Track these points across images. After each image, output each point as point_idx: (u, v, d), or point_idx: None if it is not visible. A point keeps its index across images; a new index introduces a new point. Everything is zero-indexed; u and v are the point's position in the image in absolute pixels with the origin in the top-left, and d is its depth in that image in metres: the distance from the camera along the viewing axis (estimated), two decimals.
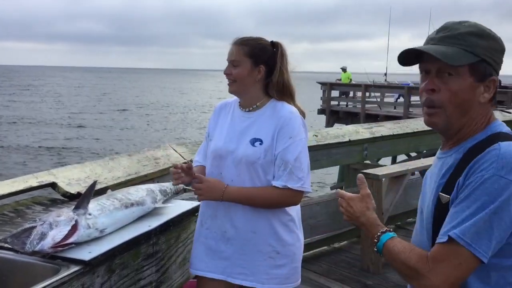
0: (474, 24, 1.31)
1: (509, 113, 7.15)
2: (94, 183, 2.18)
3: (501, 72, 1.36)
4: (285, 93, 2.19)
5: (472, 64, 1.28)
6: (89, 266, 1.78)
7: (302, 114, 2.20)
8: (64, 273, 1.69)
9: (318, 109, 20.06)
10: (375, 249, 1.41)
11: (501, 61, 1.32)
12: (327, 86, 19.54)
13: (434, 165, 1.46)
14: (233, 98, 2.31)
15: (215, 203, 2.18)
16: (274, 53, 2.17)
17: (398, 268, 1.35)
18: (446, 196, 1.30)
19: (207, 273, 2.25)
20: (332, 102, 19.49)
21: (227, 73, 2.16)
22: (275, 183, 2.09)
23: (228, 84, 2.18)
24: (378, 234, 1.40)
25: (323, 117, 19.74)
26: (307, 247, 4.50)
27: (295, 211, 2.23)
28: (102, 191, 2.59)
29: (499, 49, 1.31)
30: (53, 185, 2.70)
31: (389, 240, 1.37)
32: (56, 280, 1.64)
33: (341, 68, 21.90)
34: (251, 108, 2.19)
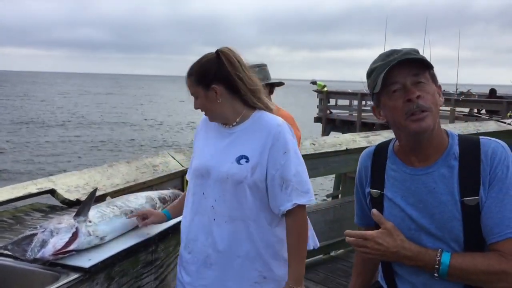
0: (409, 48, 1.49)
1: (505, 123, 7.19)
2: (95, 190, 2.18)
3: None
4: (259, 95, 2.01)
5: (430, 71, 1.46)
6: (89, 273, 1.79)
7: (288, 118, 2.08)
8: (63, 281, 1.70)
9: (314, 117, 20.09)
10: (436, 275, 1.39)
11: None
12: (324, 95, 19.59)
13: (407, 182, 1.49)
14: None
15: (198, 224, 2.00)
16: (220, 65, 1.95)
17: (478, 279, 1.36)
18: (474, 198, 1.39)
19: None
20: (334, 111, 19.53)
21: (195, 107, 2.02)
22: (283, 207, 1.92)
23: (207, 115, 2.06)
24: (437, 258, 1.38)
25: (319, 125, 19.78)
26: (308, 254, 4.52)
27: (283, 232, 1.98)
28: (101, 198, 2.60)
29: None
30: (52, 192, 2.70)
31: (453, 259, 1.37)
32: None
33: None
34: (232, 125, 2.01)
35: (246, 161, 1.92)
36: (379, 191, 1.57)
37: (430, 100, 1.42)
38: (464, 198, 1.39)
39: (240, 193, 1.93)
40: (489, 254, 1.36)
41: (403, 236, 1.45)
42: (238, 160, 1.93)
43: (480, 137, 1.45)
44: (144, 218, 2.21)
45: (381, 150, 1.62)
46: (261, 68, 3.26)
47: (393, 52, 1.46)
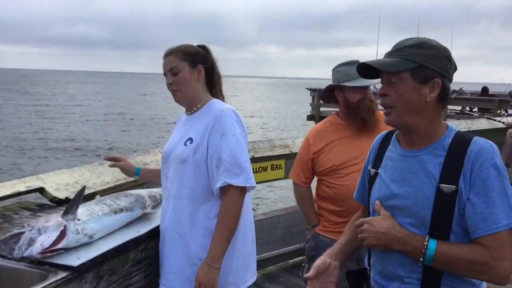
0: (418, 38, 1.55)
1: (495, 120, 7.23)
2: (83, 188, 2.17)
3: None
4: (220, 89, 2.26)
5: (412, 70, 1.50)
6: (77, 272, 1.78)
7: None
8: (52, 279, 1.69)
9: (307, 115, 20.11)
10: (421, 259, 1.46)
11: (447, 66, 1.53)
12: (317, 93, 19.60)
13: (398, 162, 1.61)
14: None
15: (164, 204, 2.22)
16: (206, 54, 2.22)
17: (463, 268, 1.44)
18: (450, 186, 1.46)
19: None
20: (322, 109, 19.54)
21: (169, 82, 2.15)
22: (217, 185, 2.04)
23: (173, 95, 2.18)
24: (425, 243, 1.45)
25: (312, 123, 19.80)
26: (297, 253, 4.52)
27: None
28: (91, 196, 2.58)
29: (442, 56, 1.52)
30: (41, 190, 2.68)
31: (439, 245, 1.44)
32: (44, 286, 1.64)
33: None
34: (192, 111, 2.21)
35: (191, 142, 2.11)
36: (375, 170, 1.70)
37: (396, 99, 1.53)
38: (441, 184, 1.48)
39: (183, 173, 2.10)
40: (474, 245, 1.44)
41: (396, 222, 1.53)
42: (185, 142, 2.12)
43: (476, 136, 1.51)
44: (116, 160, 2.53)
45: (390, 134, 1.75)
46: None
47: (395, 46, 1.57)
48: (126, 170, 2.51)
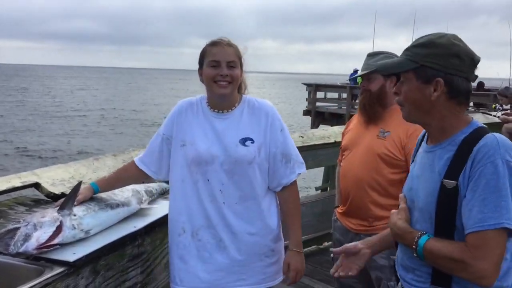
0: (427, 37, 1.56)
1: (490, 115, 7.26)
2: (79, 183, 2.16)
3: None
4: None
5: (415, 70, 1.53)
6: (74, 267, 1.78)
7: None
8: (48, 275, 1.68)
9: (303, 110, 20.11)
10: (415, 255, 1.51)
11: (454, 63, 1.50)
12: (313, 88, 19.60)
13: (422, 158, 1.64)
14: (197, 97, 2.21)
15: (207, 210, 2.07)
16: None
17: (443, 264, 1.46)
18: (452, 181, 1.46)
19: None
20: (318, 103, 19.54)
21: (226, 73, 2.03)
22: (287, 179, 2.14)
23: (223, 86, 2.04)
24: (415, 239, 1.50)
25: (308, 118, 19.80)
26: None
27: (278, 206, 2.22)
28: None
29: (447, 54, 1.50)
30: (36, 186, 2.66)
31: (427, 241, 1.48)
32: (40, 282, 1.63)
33: (355, 70, 21.33)
34: (230, 110, 2.12)
35: (252, 142, 2.07)
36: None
37: (403, 97, 1.58)
38: (444, 179, 1.49)
39: (250, 174, 2.08)
40: (457, 243, 1.44)
41: (405, 216, 1.60)
42: (243, 142, 2.07)
43: (491, 133, 1.49)
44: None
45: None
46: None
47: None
48: (88, 196, 2.18)
